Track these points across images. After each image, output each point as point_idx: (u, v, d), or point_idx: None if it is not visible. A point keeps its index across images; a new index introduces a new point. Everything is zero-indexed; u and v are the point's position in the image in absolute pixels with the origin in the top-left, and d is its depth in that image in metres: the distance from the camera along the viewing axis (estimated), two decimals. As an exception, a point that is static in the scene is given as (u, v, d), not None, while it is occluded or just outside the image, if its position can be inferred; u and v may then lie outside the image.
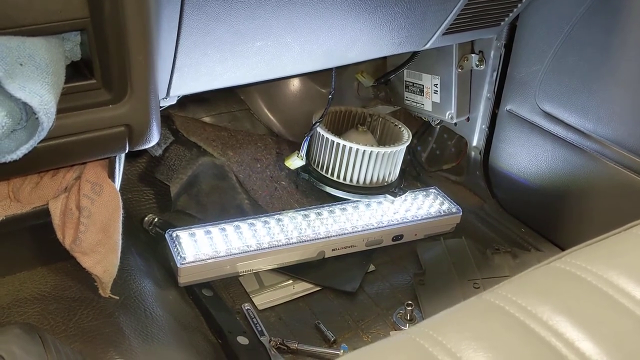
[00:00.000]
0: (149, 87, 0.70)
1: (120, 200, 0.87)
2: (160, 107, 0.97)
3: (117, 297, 0.96)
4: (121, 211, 0.88)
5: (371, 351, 0.54)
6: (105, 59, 0.66)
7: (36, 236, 0.98)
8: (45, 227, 0.88)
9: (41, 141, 0.62)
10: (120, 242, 0.90)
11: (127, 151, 0.74)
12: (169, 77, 0.88)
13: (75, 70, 0.68)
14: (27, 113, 0.59)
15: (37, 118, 0.58)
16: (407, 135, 1.37)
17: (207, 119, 1.42)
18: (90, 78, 0.67)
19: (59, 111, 0.61)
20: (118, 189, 0.88)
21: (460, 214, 1.35)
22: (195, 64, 0.90)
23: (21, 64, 0.56)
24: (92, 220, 0.84)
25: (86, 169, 0.84)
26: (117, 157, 0.85)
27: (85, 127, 0.69)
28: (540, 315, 0.55)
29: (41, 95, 0.56)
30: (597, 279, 0.59)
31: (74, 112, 0.67)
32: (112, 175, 0.85)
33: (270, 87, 1.49)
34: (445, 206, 1.36)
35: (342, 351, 1.05)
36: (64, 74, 0.63)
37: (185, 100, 1.39)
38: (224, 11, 0.83)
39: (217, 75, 0.96)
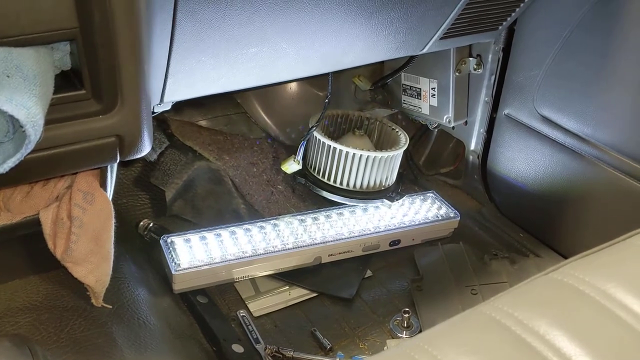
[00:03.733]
0: (140, 97, 0.69)
1: (113, 210, 0.86)
2: (155, 112, 0.96)
3: (110, 306, 0.95)
4: (113, 220, 0.87)
5: (366, 366, 0.53)
6: (95, 69, 0.65)
7: (28, 245, 0.97)
8: (37, 236, 0.87)
9: (30, 153, 0.61)
10: (112, 251, 0.89)
11: (118, 161, 0.73)
12: (163, 83, 0.87)
13: (65, 80, 0.67)
14: (14, 125, 0.58)
15: (24, 131, 0.57)
16: (404, 139, 1.36)
17: (203, 123, 1.41)
18: (80, 88, 0.66)
19: (48, 122, 0.60)
20: (110, 197, 0.87)
21: (458, 218, 1.34)
22: (189, 70, 0.89)
23: (8, 76, 0.55)
24: (84, 229, 0.83)
25: (77, 178, 0.83)
26: (109, 166, 0.84)
27: (75, 138, 0.68)
28: (537, 329, 0.54)
29: (28, 107, 0.55)
30: (595, 292, 0.58)
31: (63, 123, 0.66)
32: (104, 184, 0.84)
33: (267, 91, 1.48)
34: (443, 211, 1.35)
35: (338, 359, 1.04)
36: (53, 84, 0.62)
37: (181, 104, 1.37)
38: (218, 18, 0.82)
39: (211, 82, 0.95)
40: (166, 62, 0.83)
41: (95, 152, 0.70)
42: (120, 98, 0.67)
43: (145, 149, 0.74)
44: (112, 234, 0.87)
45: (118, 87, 0.66)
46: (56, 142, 0.67)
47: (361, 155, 1.27)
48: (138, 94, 0.68)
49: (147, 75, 0.71)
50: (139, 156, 0.75)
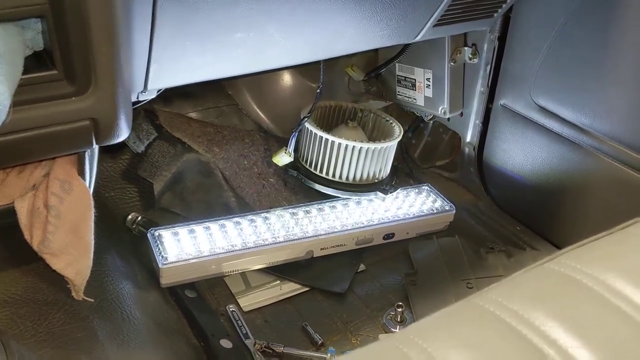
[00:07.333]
0: (116, 78, 0.66)
1: (92, 199, 0.83)
2: (141, 101, 0.93)
3: (92, 300, 0.92)
4: (93, 211, 0.84)
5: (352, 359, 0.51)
6: (67, 49, 0.62)
7: (4, 237, 0.94)
8: (14, 227, 0.84)
9: (-2, 136, 0.58)
10: (92, 242, 0.86)
11: (94, 146, 0.71)
12: (145, 69, 0.85)
13: (38, 61, 0.64)
14: (-20, 106, 0.55)
15: (-11, 111, 0.54)
16: (398, 130, 1.33)
17: (193, 115, 1.38)
18: (51, 69, 0.63)
19: (17, 103, 0.58)
20: (90, 187, 0.84)
21: (454, 211, 1.32)
22: (173, 56, 0.86)
23: (-28, 53, 0.52)
24: (62, 220, 0.80)
25: (55, 165, 0.80)
26: (86, 153, 0.81)
27: (47, 121, 0.65)
28: (533, 321, 0.52)
29: (-7, 86, 0.52)
30: (592, 281, 0.56)
31: (33, 105, 0.63)
32: (82, 173, 0.81)
33: (259, 82, 1.46)
34: (438, 204, 1.33)
35: (329, 355, 1.02)
36: (22, 64, 0.60)
37: (171, 95, 1.35)
38: (201, 0, 0.79)
39: (197, 68, 0.93)
40: (148, 47, 0.80)
41: (69, 136, 0.67)
42: (94, 79, 0.64)
43: (123, 133, 0.72)
44: (92, 224, 0.84)
45: (92, 68, 0.64)
46: (26, 125, 0.64)
47: (354, 146, 1.24)
48: (113, 75, 0.65)
49: (125, 58, 0.68)
50: (116, 141, 0.72)
